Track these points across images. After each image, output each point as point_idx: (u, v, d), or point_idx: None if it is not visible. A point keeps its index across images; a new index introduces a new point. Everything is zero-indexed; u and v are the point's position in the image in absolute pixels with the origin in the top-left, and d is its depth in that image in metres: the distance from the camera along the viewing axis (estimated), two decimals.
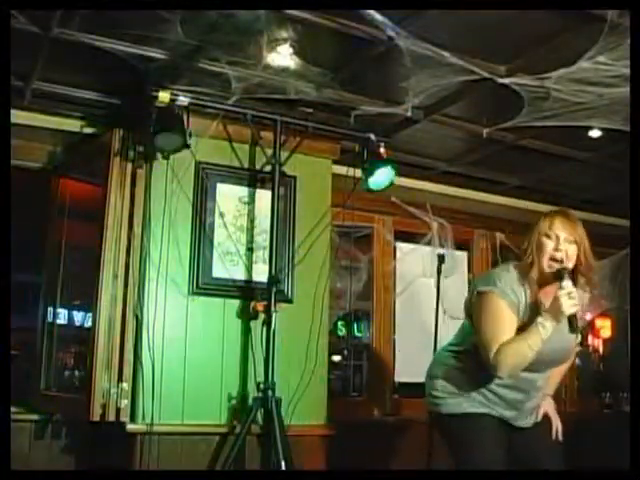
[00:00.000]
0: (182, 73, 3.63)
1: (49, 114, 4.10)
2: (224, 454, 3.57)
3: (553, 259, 2.50)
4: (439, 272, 4.60)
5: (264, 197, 4.01)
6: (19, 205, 3.23)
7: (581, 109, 3.65)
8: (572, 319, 2.44)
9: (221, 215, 3.94)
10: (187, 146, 3.67)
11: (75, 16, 3.11)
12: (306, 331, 3.98)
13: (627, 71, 3.05)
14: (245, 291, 3.91)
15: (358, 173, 4.10)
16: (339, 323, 7.65)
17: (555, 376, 2.85)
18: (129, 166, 3.81)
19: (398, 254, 5.22)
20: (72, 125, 4.14)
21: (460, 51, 3.32)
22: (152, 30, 3.19)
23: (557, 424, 2.83)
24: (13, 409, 3.76)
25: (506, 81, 3.53)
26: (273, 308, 3.69)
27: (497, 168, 5.16)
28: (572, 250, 2.52)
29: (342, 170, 4.18)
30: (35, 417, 3.99)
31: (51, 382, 4.27)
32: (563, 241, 2.52)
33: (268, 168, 3.98)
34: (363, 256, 5.21)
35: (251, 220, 4.02)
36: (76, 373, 4.65)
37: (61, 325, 4.63)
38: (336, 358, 7.01)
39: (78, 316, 5.10)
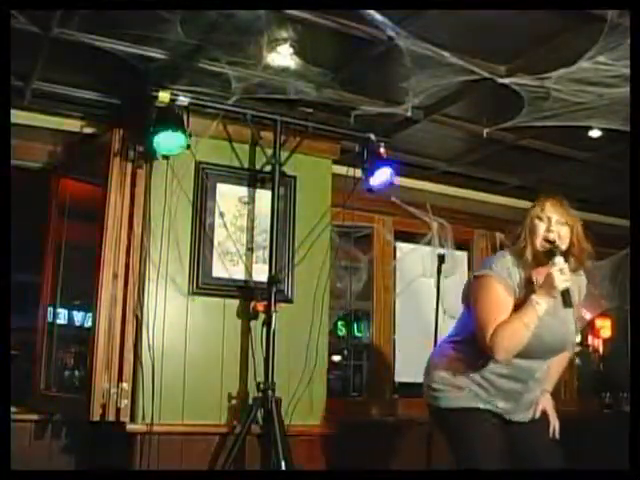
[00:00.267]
0: (182, 73, 3.63)
1: (49, 114, 4.10)
2: (224, 454, 3.57)
3: (546, 240, 2.56)
4: (439, 272, 4.60)
5: (264, 197, 4.01)
6: (19, 205, 3.23)
7: (581, 109, 3.65)
8: (565, 294, 2.48)
9: (221, 215, 3.94)
10: (187, 146, 3.67)
11: (75, 16, 3.11)
12: (306, 331, 3.98)
13: (627, 71, 3.04)
14: (245, 291, 3.91)
15: (358, 173, 4.10)
16: (339, 323, 7.65)
17: (554, 369, 2.85)
18: (129, 166, 3.81)
19: (398, 254, 5.23)
20: (72, 125, 4.14)
21: (460, 51, 3.31)
22: (152, 30, 3.19)
23: (555, 422, 2.84)
24: (13, 409, 3.76)
25: (506, 81, 3.53)
26: (273, 308, 3.70)
27: (497, 168, 5.16)
28: (564, 232, 2.58)
29: (342, 170, 4.18)
30: (35, 417, 3.99)
31: (51, 382, 4.27)
32: (555, 223, 2.58)
33: (268, 168, 3.98)
34: (363, 256, 5.21)
35: (251, 220, 4.02)
36: (76, 373, 4.65)
37: (61, 325, 4.64)
38: (336, 358, 7.01)
39: (78, 316, 5.11)
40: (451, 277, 4.94)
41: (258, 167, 4.04)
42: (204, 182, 3.94)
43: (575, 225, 2.61)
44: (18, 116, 3.89)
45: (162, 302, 3.74)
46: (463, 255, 5.38)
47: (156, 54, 3.47)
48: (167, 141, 3.64)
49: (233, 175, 4.03)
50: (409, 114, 3.94)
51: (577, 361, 6.15)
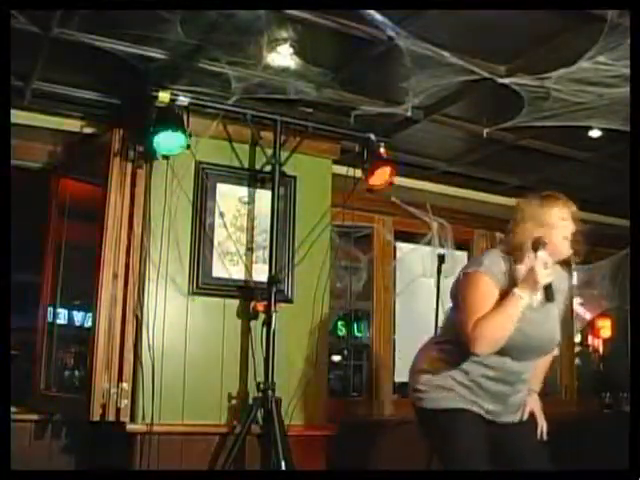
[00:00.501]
0: (182, 73, 3.63)
1: (49, 114, 4.10)
2: (224, 454, 3.57)
3: (565, 239, 2.60)
4: (439, 272, 4.59)
5: (264, 197, 4.01)
6: (19, 205, 3.23)
7: (581, 109, 3.65)
8: (547, 288, 2.49)
9: (221, 215, 3.94)
10: (187, 146, 3.67)
11: (75, 16, 3.11)
12: (306, 331, 3.98)
13: (627, 71, 3.04)
14: (245, 291, 3.91)
15: (358, 173, 4.11)
16: (339, 323, 7.65)
17: (539, 369, 2.84)
18: (129, 166, 3.81)
19: (398, 254, 5.23)
20: (72, 125, 4.14)
21: (460, 51, 3.31)
22: (152, 30, 3.19)
23: (542, 423, 2.82)
24: (13, 409, 3.76)
25: (506, 81, 3.53)
26: (273, 308, 3.70)
27: (497, 168, 5.16)
28: (574, 229, 2.63)
29: (342, 170, 4.18)
30: (35, 417, 3.99)
31: (51, 382, 4.27)
32: (572, 222, 2.63)
33: (268, 168, 3.98)
34: (363, 256, 5.21)
35: (251, 220, 4.02)
36: (76, 373, 4.65)
37: (61, 325, 4.64)
38: (336, 358, 7.01)
39: (78, 316, 5.11)
40: (451, 277, 4.91)
41: (258, 167, 4.04)
42: (204, 182, 3.94)
43: (575, 218, 2.66)
44: (18, 116, 3.89)
45: (162, 302, 3.74)
46: (463, 255, 5.37)
47: (156, 54, 3.47)
48: (167, 141, 3.64)
49: (233, 175, 4.03)
50: (409, 114, 3.94)
51: (577, 361, 6.16)
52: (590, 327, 7.03)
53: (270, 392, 3.58)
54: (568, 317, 5.86)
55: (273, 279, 3.77)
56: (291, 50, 3.42)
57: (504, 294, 2.51)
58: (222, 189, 3.98)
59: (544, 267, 2.45)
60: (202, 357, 3.78)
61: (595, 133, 4.27)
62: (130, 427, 3.59)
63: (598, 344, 7.17)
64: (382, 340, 5.02)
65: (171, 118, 3.63)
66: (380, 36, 3.21)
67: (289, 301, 3.99)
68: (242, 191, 4.03)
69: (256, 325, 3.82)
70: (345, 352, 6.98)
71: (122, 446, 3.64)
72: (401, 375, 5.02)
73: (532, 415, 2.81)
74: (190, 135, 3.69)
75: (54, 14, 3.08)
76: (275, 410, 3.52)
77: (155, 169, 3.83)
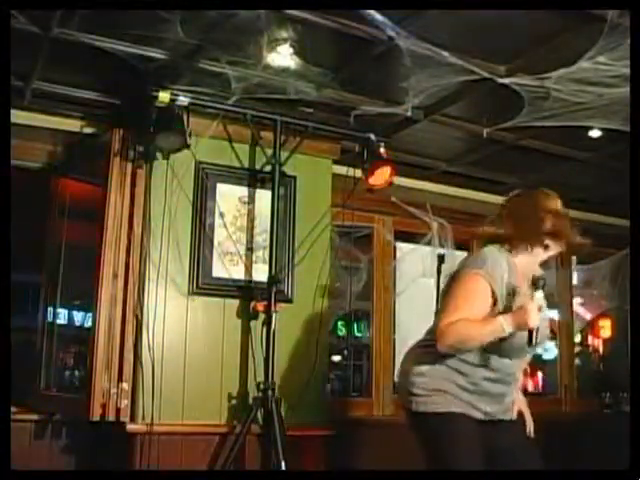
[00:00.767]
0: (182, 73, 3.63)
1: (49, 114, 4.11)
2: (224, 454, 3.57)
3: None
4: (439, 272, 4.59)
5: (264, 197, 4.01)
6: (19, 205, 3.23)
7: (581, 109, 3.65)
8: (532, 331, 2.41)
9: (221, 215, 3.94)
10: (187, 146, 3.67)
11: (75, 16, 3.11)
12: (306, 331, 3.98)
13: (627, 71, 3.04)
14: (245, 291, 3.91)
15: (358, 173, 4.11)
16: (339, 323, 7.66)
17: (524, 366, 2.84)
18: (129, 166, 3.81)
19: (398, 254, 5.22)
20: (72, 125, 4.14)
21: (460, 51, 3.31)
22: (152, 30, 3.20)
23: (530, 422, 2.81)
24: (13, 409, 3.76)
25: (506, 81, 3.53)
26: (273, 308, 3.70)
27: (497, 168, 5.16)
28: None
29: (342, 170, 4.18)
30: (35, 417, 3.99)
31: (51, 382, 4.28)
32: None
33: (268, 168, 3.98)
34: (363, 256, 5.21)
35: (251, 220, 4.02)
36: (76, 373, 4.65)
37: (61, 325, 4.64)
38: (336, 358, 7.02)
39: (78, 316, 5.11)
40: None
41: (258, 167, 4.04)
42: (204, 182, 3.94)
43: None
44: (18, 116, 3.89)
45: (162, 302, 3.74)
46: (463, 255, 5.35)
47: (156, 54, 3.47)
48: (167, 141, 3.64)
49: (233, 175, 4.03)
50: (409, 114, 3.94)
51: (577, 361, 6.16)
52: (590, 327, 7.03)
53: (270, 392, 3.58)
54: (568, 317, 5.88)
55: (273, 279, 3.77)
56: (291, 50, 3.42)
57: (496, 299, 2.49)
58: (222, 189, 3.98)
59: (538, 310, 2.39)
60: (202, 357, 3.78)
61: (595, 133, 4.27)
62: (130, 427, 3.59)
63: (598, 344, 7.17)
64: (382, 340, 5.01)
65: (171, 118, 3.63)
66: (380, 36, 3.21)
67: (289, 301, 3.99)
68: (242, 191, 4.03)
69: (256, 325, 3.82)
70: (345, 352, 6.99)
71: (122, 446, 3.64)
72: None
73: (520, 414, 2.80)
74: (190, 135, 3.69)
75: (54, 14, 3.08)
76: (275, 410, 3.52)
77: (155, 169, 3.83)
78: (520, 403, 2.81)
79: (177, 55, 3.47)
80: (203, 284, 3.85)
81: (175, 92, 3.65)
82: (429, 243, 5.11)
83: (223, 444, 3.67)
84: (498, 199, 5.78)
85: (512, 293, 2.52)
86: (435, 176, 5.26)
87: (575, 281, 6.15)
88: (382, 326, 5.03)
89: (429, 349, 2.61)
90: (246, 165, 4.06)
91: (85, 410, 3.58)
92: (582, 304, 6.52)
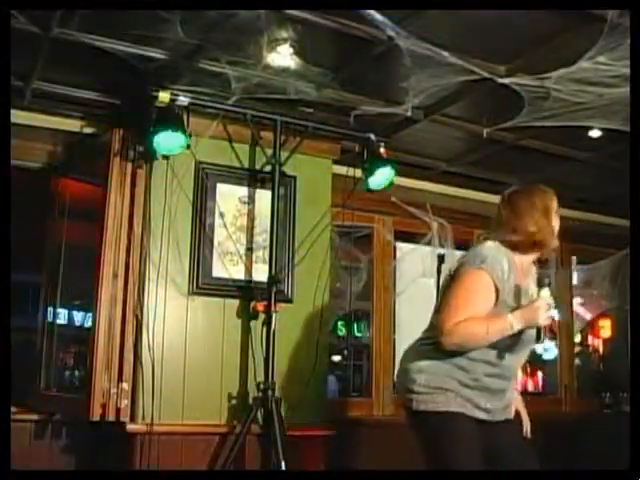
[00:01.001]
0: (182, 73, 3.63)
1: (49, 114, 4.11)
2: (224, 454, 3.57)
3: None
4: (439, 272, 4.60)
5: (264, 197, 4.01)
6: (19, 205, 3.23)
7: (581, 109, 3.65)
8: (540, 329, 2.46)
9: (221, 215, 3.94)
10: (187, 146, 3.67)
11: (75, 16, 3.11)
12: (306, 331, 3.98)
13: (627, 71, 3.04)
14: (245, 291, 3.91)
15: (358, 173, 4.11)
16: (339, 323, 7.67)
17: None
18: (129, 166, 3.81)
19: (398, 254, 5.22)
20: (72, 125, 4.14)
21: (460, 51, 3.32)
22: (152, 30, 3.20)
23: (527, 421, 2.81)
24: (13, 409, 3.76)
25: (506, 81, 3.53)
26: (273, 308, 3.70)
27: (497, 168, 5.16)
28: None
29: (342, 170, 4.18)
30: (35, 417, 3.99)
31: (51, 382, 4.28)
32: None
33: (268, 168, 3.98)
34: (363, 256, 5.21)
35: (251, 220, 4.02)
36: (76, 373, 4.65)
37: (61, 325, 4.64)
38: (336, 358, 7.03)
39: (78, 316, 5.11)
40: None
41: (258, 167, 4.04)
42: (204, 182, 3.94)
43: None
44: (18, 116, 3.89)
45: (162, 302, 3.74)
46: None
47: (156, 54, 3.47)
48: (167, 141, 3.64)
49: (233, 175, 4.02)
50: (409, 114, 3.95)
51: (577, 361, 6.16)
52: (590, 327, 7.04)
53: (270, 392, 3.58)
54: (568, 317, 5.88)
55: (273, 279, 3.77)
56: (291, 50, 3.42)
57: (501, 295, 2.49)
58: (222, 189, 3.98)
59: (547, 308, 2.43)
60: (202, 357, 3.78)
61: (595, 133, 4.27)
62: (130, 427, 3.59)
63: (598, 344, 7.18)
64: (382, 340, 5.01)
65: (171, 118, 3.63)
66: (380, 36, 3.21)
67: (289, 301, 3.98)
68: (242, 191, 4.03)
69: (256, 325, 3.82)
70: (345, 352, 7.00)
71: (122, 446, 3.64)
72: None
73: (517, 413, 2.79)
74: (190, 135, 3.69)
75: (54, 14, 3.09)
76: (275, 410, 3.52)
77: (155, 169, 3.83)
78: (517, 402, 2.80)
79: (177, 55, 3.47)
80: (203, 284, 3.85)
81: (175, 92, 3.65)
82: (429, 243, 5.11)
83: (223, 444, 3.67)
84: (498, 199, 5.80)
85: (517, 291, 2.53)
86: (435, 176, 5.26)
87: (575, 281, 6.15)
88: (382, 326, 5.03)
89: (429, 347, 2.60)
90: (246, 165, 4.06)
91: (85, 410, 3.58)
92: (582, 304, 6.52)
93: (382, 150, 4.11)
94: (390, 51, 3.32)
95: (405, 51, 3.23)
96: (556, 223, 2.61)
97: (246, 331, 3.86)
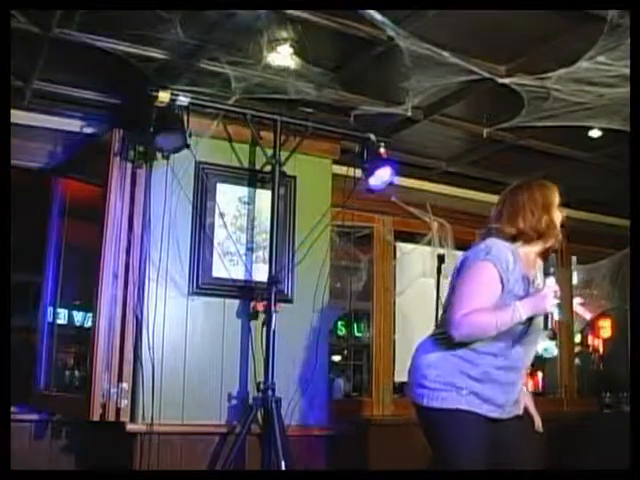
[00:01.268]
0: (182, 73, 3.63)
1: (49, 114, 4.11)
2: (224, 454, 3.57)
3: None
4: (439, 272, 4.60)
5: (264, 197, 4.01)
6: (19, 205, 3.23)
7: (581, 109, 3.65)
8: (548, 316, 2.51)
9: (221, 215, 3.94)
10: (187, 146, 3.67)
11: (75, 16, 3.11)
12: (306, 331, 3.98)
13: (627, 71, 3.04)
14: (245, 291, 3.91)
15: (358, 173, 4.11)
16: (339, 323, 7.67)
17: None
18: (129, 166, 3.81)
19: (398, 254, 5.23)
20: (72, 125, 4.14)
21: (460, 51, 3.32)
22: (152, 30, 3.20)
23: (537, 416, 2.81)
24: (13, 409, 3.76)
25: (506, 81, 3.54)
26: (273, 308, 3.70)
27: (497, 168, 5.15)
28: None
29: (342, 170, 4.18)
30: (35, 417, 3.99)
31: (51, 382, 4.27)
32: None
33: (268, 168, 3.98)
34: (363, 256, 5.21)
35: (251, 220, 4.02)
36: (76, 373, 4.65)
37: (61, 325, 4.63)
38: (336, 358, 7.02)
39: (78, 316, 5.10)
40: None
41: (258, 167, 4.04)
42: (204, 182, 3.94)
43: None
44: (18, 116, 3.89)
45: (162, 302, 3.74)
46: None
47: (156, 54, 3.47)
48: (167, 141, 3.64)
49: (233, 175, 4.02)
50: (409, 114, 3.95)
51: (577, 361, 6.16)
52: (590, 327, 7.04)
53: (270, 392, 3.58)
54: (568, 317, 5.88)
55: (273, 279, 3.77)
56: (291, 50, 3.42)
57: (506, 287, 2.50)
58: (222, 189, 3.98)
59: (554, 295, 2.46)
60: (202, 357, 3.78)
61: (595, 133, 4.27)
62: (130, 427, 3.59)
63: (598, 344, 7.18)
64: (382, 340, 5.01)
65: (171, 118, 3.63)
66: (380, 36, 3.21)
67: (289, 301, 3.98)
68: (242, 191, 4.03)
69: (256, 325, 3.82)
70: (345, 352, 6.99)
71: (122, 446, 3.64)
72: (401, 375, 5.01)
73: (526, 410, 2.80)
74: (190, 135, 3.69)
75: (54, 14, 3.08)
76: (275, 410, 3.52)
77: (155, 169, 3.83)
78: (527, 399, 2.81)
79: (177, 55, 3.47)
80: (203, 284, 3.85)
81: (175, 92, 3.65)
82: (429, 243, 5.11)
83: (223, 444, 3.67)
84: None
85: (524, 281, 2.54)
86: (435, 176, 5.26)
87: (575, 281, 6.16)
88: (382, 326, 5.03)
89: (439, 342, 2.62)
90: (246, 165, 4.06)
91: (85, 410, 3.58)
92: (582, 304, 6.53)
93: (382, 150, 4.11)
94: (390, 51, 3.32)
95: (405, 51, 3.23)
96: (558, 216, 2.62)
97: (246, 331, 3.86)
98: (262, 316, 3.78)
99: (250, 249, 3.99)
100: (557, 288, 2.49)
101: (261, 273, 3.91)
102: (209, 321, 3.84)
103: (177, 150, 3.69)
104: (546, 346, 6.11)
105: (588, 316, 6.72)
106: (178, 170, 3.84)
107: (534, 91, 3.57)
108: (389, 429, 4.78)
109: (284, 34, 3.28)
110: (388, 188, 4.19)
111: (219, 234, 3.93)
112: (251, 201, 4.04)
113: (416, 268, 5.15)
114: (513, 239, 2.60)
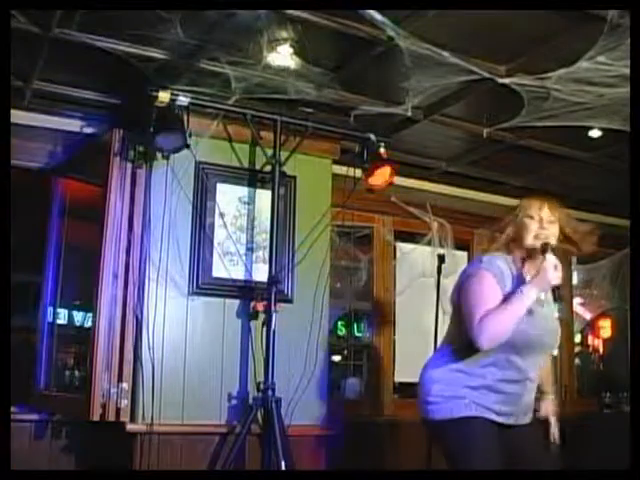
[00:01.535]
0: (182, 73, 3.63)
1: (49, 114, 4.11)
2: (224, 454, 3.57)
3: (536, 237, 2.60)
4: (439, 272, 4.59)
5: (264, 197, 4.01)
6: (19, 205, 3.23)
7: (581, 109, 3.65)
8: (555, 290, 2.56)
9: (221, 215, 3.94)
10: (187, 146, 3.67)
11: (75, 16, 3.11)
12: (306, 331, 3.98)
13: (627, 71, 3.04)
14: (245, 291, 3.91)
15: (358, 173, 4.11)
16: (339, 323, 7.66)
17: (546, 370, 2.87)
18: (129, 166, 3.81)
19: (398, 254, 5.23)
20: (72, 125, 4.14)
21: (460, 51, 3.32)
22: (152, 30, 3.20)
23: (555, 428, 2.82)
24: (13, 409, 3.76)
25: (506, 81, 3.54)
26: (273, 308, 3.70)
27: (497, 168, 5.16)
28: (554, 229, 2.62)
29: (342, 170, 4.18)
30: (35, 417, 3.99)
31: (51, 382, 4.27)
32: (546, 222, 2.61)
33: (268, 168, 3.98)
34: (363, 256, 5.21)
35: (251, 220, 4.02)
36: (76, 373, 4.65)
37: (61, 325, 4.63)
38: (336, 358, 7.02)
39: (78, 316, 5.10)
40: (451, 277, 4.93)
41: (258, 167, 4.04)
42: (204, 182, 3.94)
43: (563, 218, 2.66)
44: (18, 116, 3.89)
45: (162, 302, 3.74)
46: (463, 255, 5.37)
47: (156, 54, 3.47)
48: (167, 141, 3.64)
49: (233, 175, 4.02)
50: (409, 114, 3.94)
51: (577, 361, 6.16)
52: (590, 327, 7.03)
53: (270, 392, 3.58)
54: (568, 317, 5.88)
55: (273, 279, 3.77)
56: (291, 50, 3.42)
57: (505, 293, 2.53)
58: (222, 189, 3.98)
59: (554, 269, 2.49)
60: (202, 357, 3.78)
61: (595, 133, 4.26)
62: (130, 427, 3.59)
63: (598, 344, 7.17)
64: (382, 340, 5.02)
65: (171, 118, 3.63)
66: (380, 36, 3.21)
67: (289, 301, 3.98)
68: (242, 191, 4.03)
69: (256, 325, 3.82)
70: (345, 352, 6.99)
71: (122, 446, 3.64)
72: (401, 375, 5.02)
73: (545, 419, 2.80)
74: (190, 135, 3.69)
75: (54, 14, 3.08)
76: (275, 410, 3.52)
77: (155, 169, 3.83)
78: (547, 407, 2.83)
79: (177, 55, 3.47)
80: (203, 284, 3.85)
81: (175, 92, 3.65)
82: (429, 243, 5.11)
83: (223, 444, 3.67)
84: (498, 199, 5.83)
85: (522, 280, 2.57)
86: (435, 176, 5.26)
87: (575, 281, 6.15)
88: (382, 326, 5.03)
89: (442, 357, 2.69)
90: (246, 165, 4.06)
91: (85, 410, 3.58)
92: (582, 304, 6.52)
93: (382, 150, 4.11)
94: (390, 51, 3.32)
95: (405, 51, 3.23)
96: (547, 227, 2.61)
97: (246, 331, 3.86)
98: (262, 316, 3.78)
99: (250, 249, 3.99)
100: (557, 262, 2.52)
101: (261, 273, 3.91)
102: (209, 321, 3.84)
103: (177, 150, 3.69)
104: None
105: (588, 316, 6.72)
106: (178, 170, 3.85)
107: (534, 91, 3.57)
108: (389, 429, 4.78)
109: (284, 34, 3.28)
110: (388, 188, 4.19)
111: (219, 234, 3.93)
112: (251, 201, 4.04)
113: (416, 268, 5.15)
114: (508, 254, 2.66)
